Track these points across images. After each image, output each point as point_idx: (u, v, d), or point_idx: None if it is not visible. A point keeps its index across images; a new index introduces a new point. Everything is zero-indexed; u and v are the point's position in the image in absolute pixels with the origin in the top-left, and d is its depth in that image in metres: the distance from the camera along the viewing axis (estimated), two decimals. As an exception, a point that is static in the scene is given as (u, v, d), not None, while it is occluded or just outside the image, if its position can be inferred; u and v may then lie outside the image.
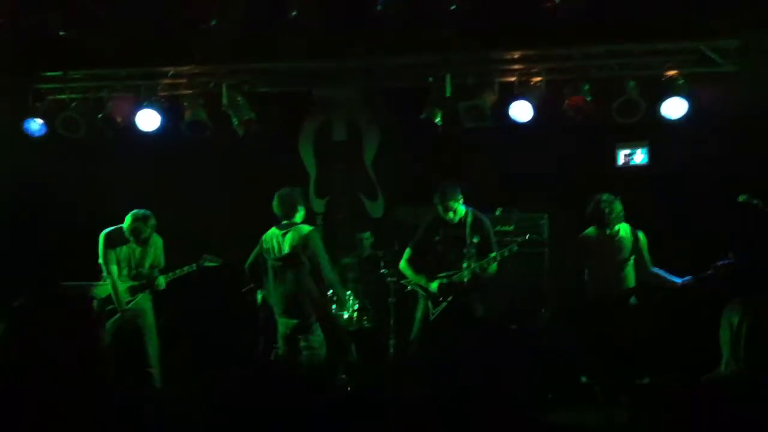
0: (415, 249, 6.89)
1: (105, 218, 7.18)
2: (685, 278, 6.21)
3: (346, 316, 7.63)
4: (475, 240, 6.68)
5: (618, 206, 6.36)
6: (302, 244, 6.39)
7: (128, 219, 6.93)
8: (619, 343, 6.15)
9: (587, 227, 6.61)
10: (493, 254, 6.67)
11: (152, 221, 6.99)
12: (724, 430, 2.68)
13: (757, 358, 2.84)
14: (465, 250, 6.68)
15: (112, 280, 6.94)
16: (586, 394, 6.40)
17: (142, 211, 6.97)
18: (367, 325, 7.77)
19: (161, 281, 7.09)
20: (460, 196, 6.69)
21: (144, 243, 7.00)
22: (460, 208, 6.68)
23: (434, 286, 6.70)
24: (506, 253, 6.68)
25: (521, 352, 2.45)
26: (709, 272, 6.05)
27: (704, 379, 2.96)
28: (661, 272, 6.38)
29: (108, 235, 7.00)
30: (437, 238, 6.74)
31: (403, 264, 6.94)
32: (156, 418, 2.35)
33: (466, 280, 6.63)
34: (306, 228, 6.50)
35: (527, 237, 6.94)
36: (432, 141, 8.15)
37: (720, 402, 2.77)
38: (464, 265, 6.66)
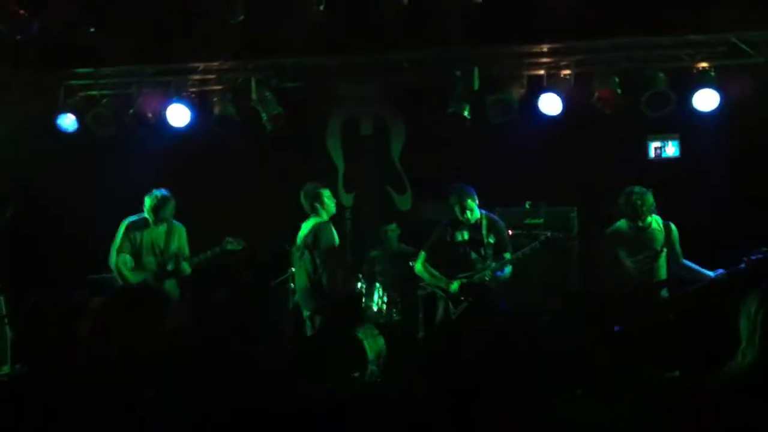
0: (430, 251, 6.91)
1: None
2: (717, 271, 6.15)
3: (375, 308, 7.66)
4: (491, 240, 6.75)
5: (650, 198, 6.32)
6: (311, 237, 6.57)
7: (147, 198, 7.01)
8: (645, 336, 6.11)
9: (618, 220, 6.56)
10: (507, 255, 6.73)
11: (172, 202, 7.03)
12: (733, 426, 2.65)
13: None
14: (482, 251, 6.73)
15: (116, 268, 6.97)
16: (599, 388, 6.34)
17: (161, 191, 7.03)
18: (396, 318, 7.79)
19: (185, 267, 7.10)
20: (476, 197, 6.75)
21: (163, 222, 7.02)
22: (475, 208, 6.73)
23: (455, 286, 6.73)
24: (520, 257, 6.71)
25: (536, 349, 2.44)
26: (741, 266, 5.98)
27: (721, 372, 2.94)
28: (693, 265, 6.33)
29: (130, 224, 7.06)
30: (459, 239, 6.75)
31: (419, 267, 6.95)
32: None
33: (487, 279, 6.65)
34: (312, 221, 6.67)
35: (544, 236, 6.88)
36: (459, 135, 8.13)
37: (728, 397, 2.74)
38: (481, 266, 6.73)
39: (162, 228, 7.09)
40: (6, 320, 7.53)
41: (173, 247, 7.09)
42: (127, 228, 7.05)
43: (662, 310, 6.24)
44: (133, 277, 6.98)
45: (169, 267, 7.06)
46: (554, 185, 7.90)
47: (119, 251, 7.01)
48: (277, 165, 8.54)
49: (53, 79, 8.31)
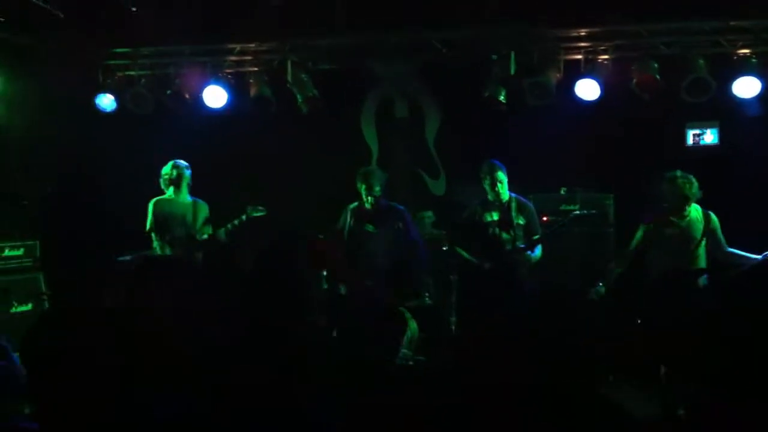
0: (463, 231, 6.96)
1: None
2: (762, 255, 6.02)
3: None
4: (521, 221, 6.75)
5: (695, 186, 6.18)
6: None
7: (167, 166, 7.08)
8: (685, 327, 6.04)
9: (656, 208, 6.47)
10: (536, 236, 6.73)
11: (188, 170, 7.08)
12: None
13: None
14: (512, 231, 6.75)
15: (159, 246, 7.06)
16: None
17: (174, 160, 7.09)
18: (428, 302, 7.80)
19: (221, 233, 7.14)
20: (505, 172, 6.74)
21: (182, 192, 7.06)
22: (505, 185, 6.75)
23: (486, 267, 6.75)
24: (550, 234, 6.70)
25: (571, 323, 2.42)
26: None
27: None
28: (739, 252, 6.21)
29: (156, 202, 7.13)
30: (488, 219, 6.76)
31: (457, 246, 7.02)
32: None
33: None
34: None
35: (574, 214, 6.87)
36: (495, 119, 8.10)
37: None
38: (511, 246, 6.73)
39: (186, 200, 7.14)
40: (45, 297, 7.68)
41: (200, 220, 7.14)
42: (155, 206, 7.13)
43: (700, 298, 6.15)
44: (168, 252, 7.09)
45: (200, 237, 7.09)
46: (590, 171, 7.84)
47: (151, 230, 7.11)
48: (312, 147, 8.57)
49: (92, 58, 8.40)
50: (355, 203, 6.97)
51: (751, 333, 2.19)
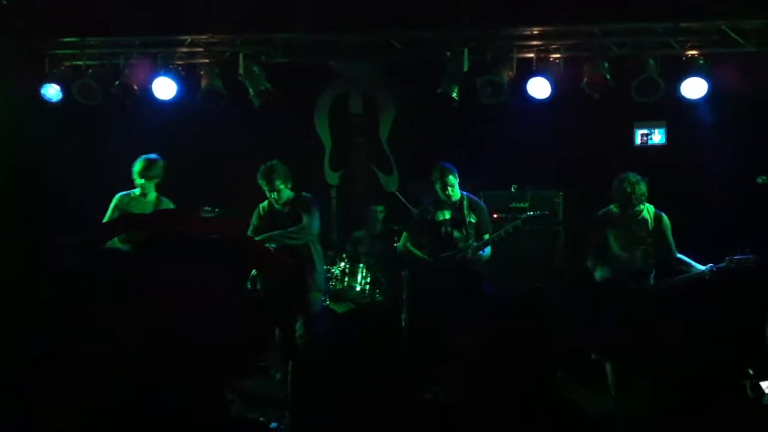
0: (413, 231, 6.96)
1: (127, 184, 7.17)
2: (706, 267, 6.10)
3: (357, 288, 7.67)
4: (473, 220, 6.79)
5: (642, 187, 6.24)
6: None
7: (137, 162, 6.80)
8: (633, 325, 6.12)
9: (609, 204, 6.53)
10: (487, 236, 6.76)
11: (161, 162, 6.81)
12: None
13: None
14: (464, 230, 6.78)
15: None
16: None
17: (149, 155, 6.84)
18: (378, 299, 7.80)
19: None
20: (457, 175, 6.76)
21: (151, 187, 6.89)
22: (456, 186, 6.77)
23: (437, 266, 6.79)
24: (502, 235, 6.73)
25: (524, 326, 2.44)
26: (724, 264, 5.97)
27: None
28: (686, 258, 6.28)
29: (120, 198, 6.98)
30: (440, 218, 6.77)
31: (401, 247, 7.03)
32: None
33: (469, 255, 6.71)
34: None
35: (525, 215, 6.91)
36: (448, 116, 8.12)
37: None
38: (463, 245, 6.74)
39: (151, 198, 7.00)
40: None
41: None
42: (118, 201, 6.99)
43: (643, 299, 6.22)
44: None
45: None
46: (541, 169, 7.89)
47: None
48: (264, 141, 8.48)
49: (39, 48, 8.21)
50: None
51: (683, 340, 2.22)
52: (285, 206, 6.40)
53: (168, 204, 7.06)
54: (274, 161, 6.40)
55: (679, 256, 6.29)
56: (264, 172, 6.35)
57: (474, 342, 2.42)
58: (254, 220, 6.50)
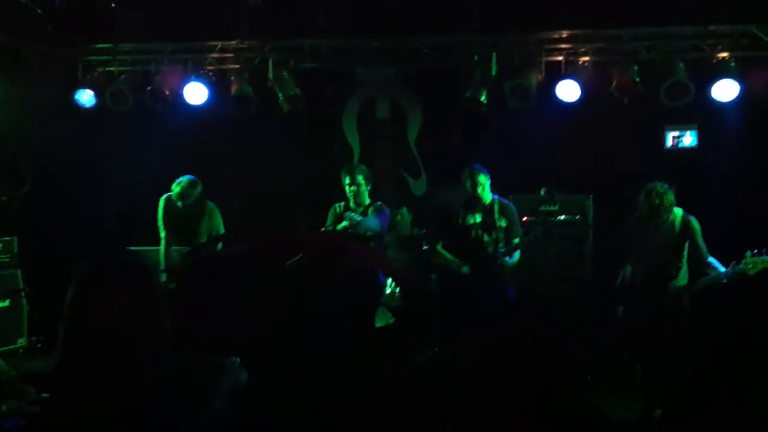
0: (444, 235, 6.98)
1: (158, 188, 7.31)
2: (727, 269, 6.08)
3: (387, 291, 7.68)
4: (503, 224, 6.79)
5: (670, 197, 6.22)
6: None
7: (175, 185, 7.23)
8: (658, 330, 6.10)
9: (638, 211, 6.51)
10: (516, 240, 6.76)
11: (199, 187, 7.23)
12: None
13: None
14: (494, 234, 6.78)
15: (164, 243, 7.16)
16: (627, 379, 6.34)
17: (187, 177, 7.23)
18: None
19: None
20: (488, 175, 6.79)
21: (192, 208, 7.15)
22: (488, 187, 6.79)
23: (466, 269, 6.79)
24: (532, 239, 6.73)
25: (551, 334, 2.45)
26: (739, 266, 5.93)
27: None
28: (715, 263, 6.23)
29: (167, 199, 7.21)
30: (470, 222, 6.79)
31: (431, 250, 7.10)
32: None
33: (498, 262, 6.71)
34: None
35: (556, 219, 6.91)
36: (476, 120, 8.13)
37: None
38: (492, 249, 6.75)
39: (195, 208, 7.22)
40: (23, 294, 7.62)
41: (204, 228, 7.21)
42: (165, 204, 7.24)
43: (667, 303, 6.20)
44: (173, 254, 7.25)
45: (202, 240, 7.12)
46: (570, 173, 7.86)
47: (164, 226, 7.30)
48: (293, 146, 8.56)
49: (72, 55, 8.35)
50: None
51: (719, 341, 2.21)
52: (359, 206, 6.84)
53: (214, 208, 7.24)
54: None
55: (710, 260, 6.25)
56: (348, 167, 6.96)
57: (495, 348, 2.43)
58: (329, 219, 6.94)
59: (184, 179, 7.25)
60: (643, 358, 6.18)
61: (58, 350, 2.06)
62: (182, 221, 7.24)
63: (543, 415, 2.29)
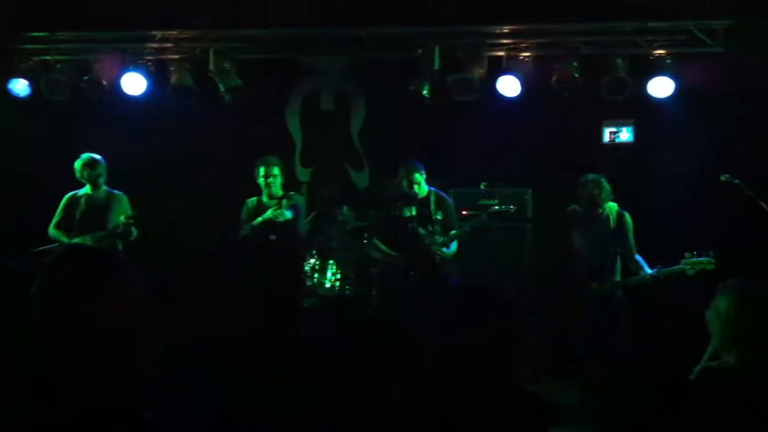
0: (380, 227, 7.06)
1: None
2: (653, 270, 6.23)
3: (327, 285, 7.67)
4: (439, 217, 6.87)
5: (606, 185, 6.37)
6: None
7: (77, 162, 6.93)
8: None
9: (573, 204, 6.61)
10: (454, 231, 6.81)
11: (102, 164, 6.94)
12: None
13: (749, 345, 2.83)
14: (430, 227, 6.85)
15: (55, 236, 6.89)
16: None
17: (89, 154, 6.95)
18: (348, 294, 7.79)
19: (134, 230, 6.90)
20: (423, 172, 6.85)
21: (98, 186, 6.92)
22: (423, 184, 6.85)
23: (404, 262, 6.87)
24: (467, 230, 6.82)
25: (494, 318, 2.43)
26: (678, 266, 6.07)
27: (700, 368, 2.96)
28: (641, 261, 6.37)
29: (71, 196, 6.98)
30: (407, 215, 6.83)
31: (369, 243, 7.18)
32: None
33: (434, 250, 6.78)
34: None
35: (492, 210, 6.98)
36: (419, 113, 8.14)
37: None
38: (429, 241, 6.81)
39: (101, 195, 6.99)
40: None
41: (114, 215, 6.95)
42: (68, 200, 6.97)
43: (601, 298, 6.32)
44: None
45: (119, 230, 6.85)
46: (511, 167, 7.93)
47: (57, 225, 6.93)
48: (235, 137, 8.46)
49: (6, 43, 8.12)
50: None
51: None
52: (272, 199, 6.79)
53: (120, 196, 7.03)
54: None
55: (637, 257, 6.39)
56: (263, 160, 6.93)
57: (437, 339, 2.42)
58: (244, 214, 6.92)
59: (86, 155, 6.96)
60: (582, 348, 6.29)
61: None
62: (90, 215, 6.96)
63: (480, 404, 2.28)
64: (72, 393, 1.79)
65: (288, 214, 6.71)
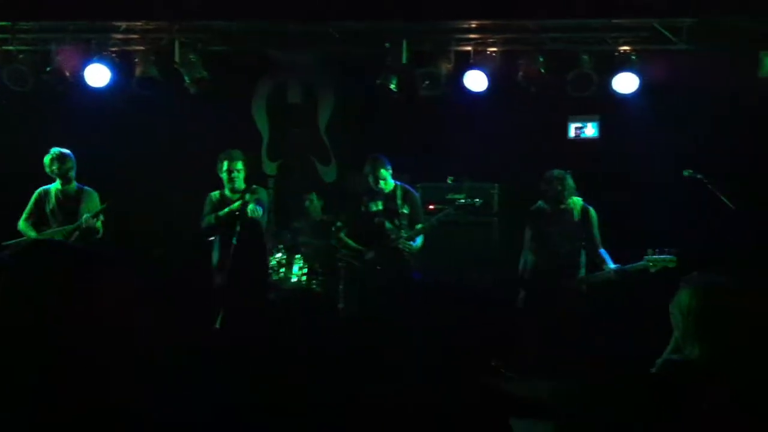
0: (346, 222, 7.07)
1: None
2: (615, 266, 6.31)
3: (294, 279, 7.65)
4: (406, 211, 6.89)
5: (570, 181, 6.45)
6: None
7: (46, 157, 6.79)
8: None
9: (539, 200, 6.68)
10: (419, 225, 6.84)
11: (71, 159, 6.81)
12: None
13: (710, 339, 2.88)
14: (396, 221, 6.86)
15: (24, 230, 6.79)
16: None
17: (58, 148, 6.82)
18: (316, 289, 7.78)
19: (99, 225, 6.79)
20: (389, 167, 6.85)
21: (69, 181, 6.84)
22: (389, 179, 6.85)
23: (370, 255, 6.90)
24: (434, 223, 6.86)
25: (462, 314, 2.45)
26: (640, 263, 6.15)
27: (661, 363, 3.00)
28: (606, 256, 6.45)
29: (41, 191, 6.88)
30: (373, 209, 6.83)
31: (336, 237, 7.14)
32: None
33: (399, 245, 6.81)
34: None
35: (457, 203, 7.01)
36: (387, 107, 8.14)
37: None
38: (395, 236, 6.83)
39: (72, 190, 6.90)
40: None
41: (84, 211, 6.87)
42: (39, 195, 6.87)
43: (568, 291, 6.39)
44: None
45: (84, 223, 6.76)
46: (479, 161, 7.97)
47: (27, 219, 6.83)
48: (201, 129, 8.40)
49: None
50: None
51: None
52: (235, 193, 6.69)
53: (90, 192, 6.94)
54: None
55: (601, 251, 6.46)
56: (226, 154, 6.78)
57: (402, 332, 2.43)
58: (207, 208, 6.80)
59: (55, 149, 6.80)
60: (543, 343, 6.34)
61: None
62: (60, 210, 6.84)
63: (440, 399, 2.29)
64: (55, 392, 1.76)
65: (260, 211, 6.64)
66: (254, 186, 6.85)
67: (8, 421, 1.71)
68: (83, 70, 7.78)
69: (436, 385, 2.26)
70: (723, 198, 6.27)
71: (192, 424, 2.11)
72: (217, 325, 6.70)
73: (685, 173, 6.34)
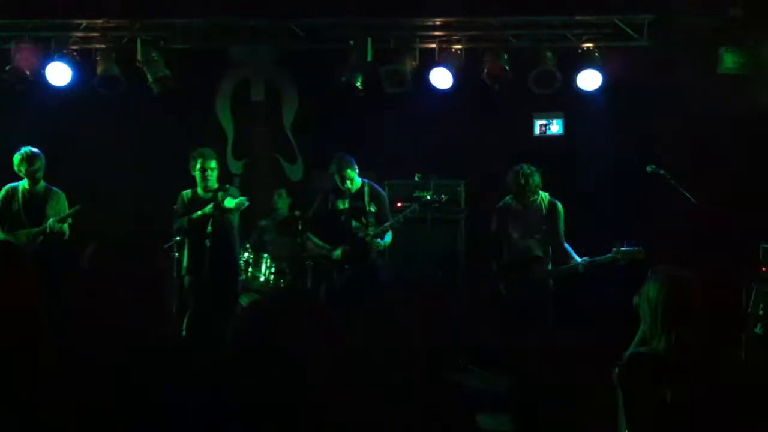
0: (313, 220, 7.06)
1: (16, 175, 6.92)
2: (583, 259, 6.39)
3: (261, 279, 7.61)
4: (373, 209, 6.90)
5: (536, 178, 6.50)
6: None
7: (15, 156, 6.71)
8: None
9: (506, 196, 6.72)
10: (387, 223, 6.85)
11: (41, 159, 6.74)
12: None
13: (676, 331, 2.91)
14: (363, 219, 6.88)
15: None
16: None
17: (28, 147, 6.73)
18: (283, 287, 7.75)
19: (65, 228, 6.72)
20: (355, 166, 6.84)
21: (37, 181, 6.75)
22: (356, 178, 6.85)
23: (337, 253, 6.88)
24: (401, 220, 6.87)
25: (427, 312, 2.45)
26: (608, 255, 6.23)
27: (630, 353, 3.03)
28: (570, 250, 6.53)
29: (8, 189, 6.77)
30: (340, 207, 6.82)
31: (301, 236, 7.09)
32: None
33: (368, 241, 6.82)
34: None
35: (423, 199, 7.03)
36: (352, 105, 8.13)
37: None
38: (362, 233, 6.85)
39: (39, 190, 6.80)
40: None
41: (51, 212, 6.77)
42: (6, 192, 6.76)
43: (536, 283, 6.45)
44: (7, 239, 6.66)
45: (49, 228, 6.67)
46: (445, 159, 7.99)
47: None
48: (164, 128, 8.31)
49: None
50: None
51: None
52: (208, 192, 6.67)
53: (58, 193, 6.85)
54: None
55: (566, 245, 6.54)
56: (199, 152, 6.74)
57: (368, 331, 2.42)
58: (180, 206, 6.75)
59: (26, 148, 6.72)
60: (511, 337, 6.38)
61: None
62: (26, 209, 6.77)
63: (404, 396, 2.28)
64: None
65: (232, 202, 6.60)
66: (227, 186, 6.82)
67: None
68: (43, 68, 7.65)
69: (402, 383, 2.26)
70: (684, 192, 6.38)
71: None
72: (184, 328, 6.65)
73: (649, 168, 6.44)
